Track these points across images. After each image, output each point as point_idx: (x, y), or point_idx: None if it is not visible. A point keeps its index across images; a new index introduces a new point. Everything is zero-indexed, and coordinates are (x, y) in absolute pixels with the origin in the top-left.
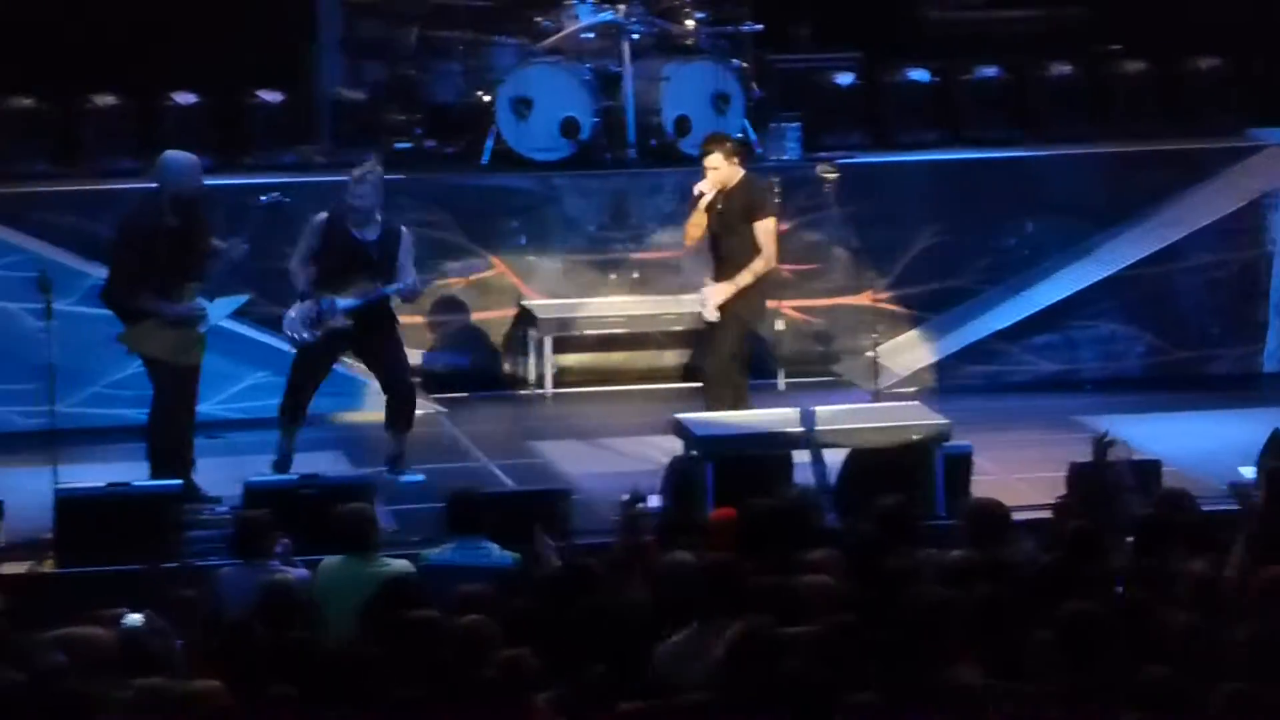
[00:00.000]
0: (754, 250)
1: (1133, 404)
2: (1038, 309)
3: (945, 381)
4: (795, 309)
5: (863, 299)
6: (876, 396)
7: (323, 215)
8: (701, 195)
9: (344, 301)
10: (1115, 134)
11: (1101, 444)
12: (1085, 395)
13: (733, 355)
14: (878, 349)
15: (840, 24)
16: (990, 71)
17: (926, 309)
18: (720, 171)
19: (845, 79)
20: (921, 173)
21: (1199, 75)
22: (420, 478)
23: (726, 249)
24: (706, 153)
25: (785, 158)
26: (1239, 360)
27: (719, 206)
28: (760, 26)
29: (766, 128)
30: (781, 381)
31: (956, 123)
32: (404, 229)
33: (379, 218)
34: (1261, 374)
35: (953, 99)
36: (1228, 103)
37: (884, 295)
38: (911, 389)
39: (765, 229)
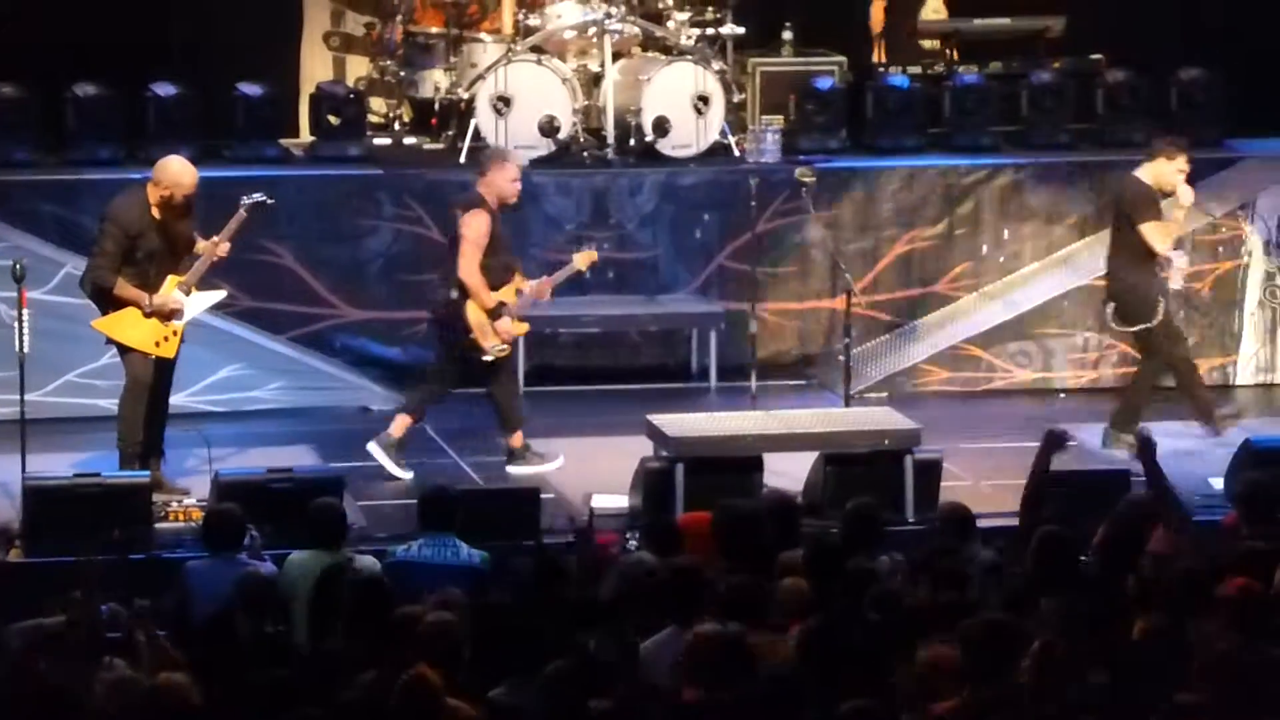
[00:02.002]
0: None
1: (1106, 413)
2: (1012, 316)
3: (918, 387)
4: (770, 311)
5: (838, 303)
6: (848, 401)
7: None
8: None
9: None
10: (1095, 142)
11: (1052, 440)
12: (1058, 404)
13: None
14: (851, 353)
15: (822, 28)
16: (971, 78)
17: (901, 314)
18: None
19: (825, 83)
20: (900, 178)
21: (1180, 85)
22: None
23: None
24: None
25: (764, 160)
26: (1214, 371)
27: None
28: (742, 29)
29: (746, 130)
30: (754, 384)
31: (938, 128)
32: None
33: None
34: (1236, 385)
35: (934, 104)
36: (1208, 113)
37: (859, 300)
38: (884, 394)
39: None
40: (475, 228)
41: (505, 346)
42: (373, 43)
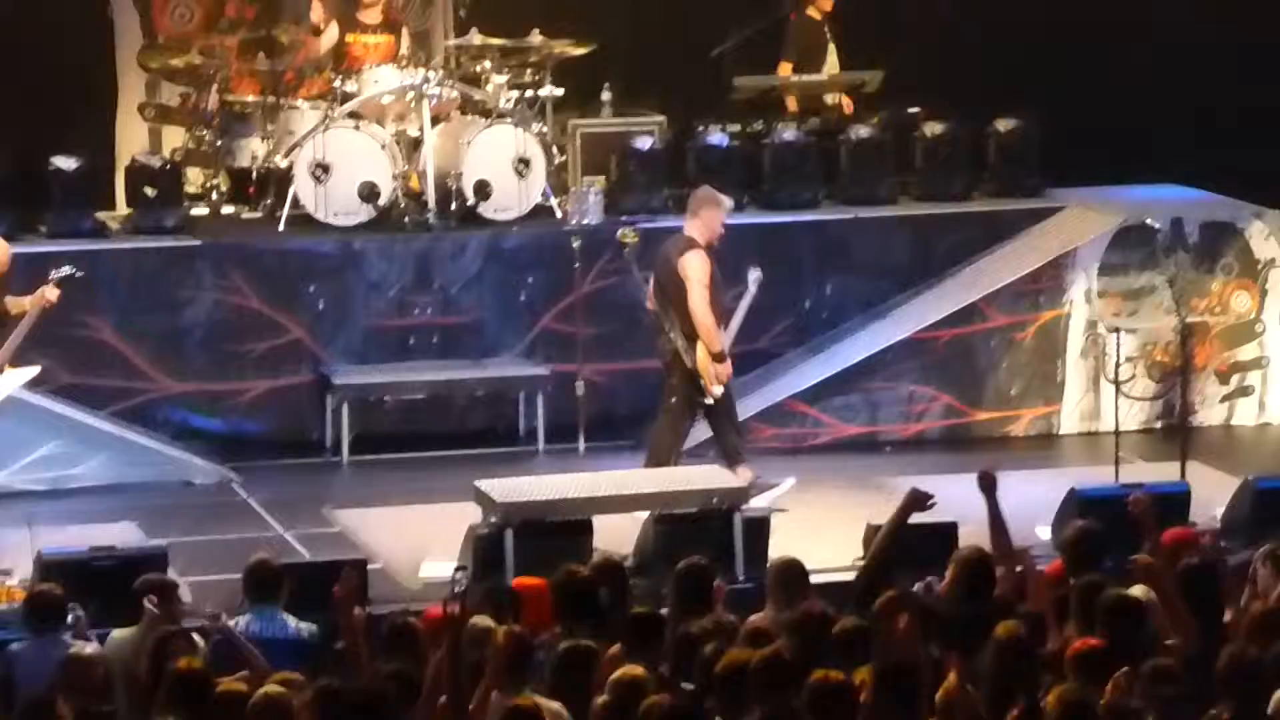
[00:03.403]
0: None
1: (932, 465)
2: (838, 370)
3: (746, 444)
4: (597, 372)
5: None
6: (677, 460)
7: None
8: None
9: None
10: (916, 195)
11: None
12: (886, 456)
13: None
14: None
15: (642, 88)
16: (790, 135)
17: None
18: None
19: (645, 143)
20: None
21: (998, 136)
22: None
23: None
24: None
25: (586, 221)
26: (1038, 420)
27: None
28: (561, 91)
29: (568, 191)
30: (582, 445)
31: (758, 185)
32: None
33: None
34: (1060, 434)
35: (754, 161)
36: (1027, 163)
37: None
38: (710, 452)
39: None
40: (698, 267)
41: (721, 389)
42: (188, 112)
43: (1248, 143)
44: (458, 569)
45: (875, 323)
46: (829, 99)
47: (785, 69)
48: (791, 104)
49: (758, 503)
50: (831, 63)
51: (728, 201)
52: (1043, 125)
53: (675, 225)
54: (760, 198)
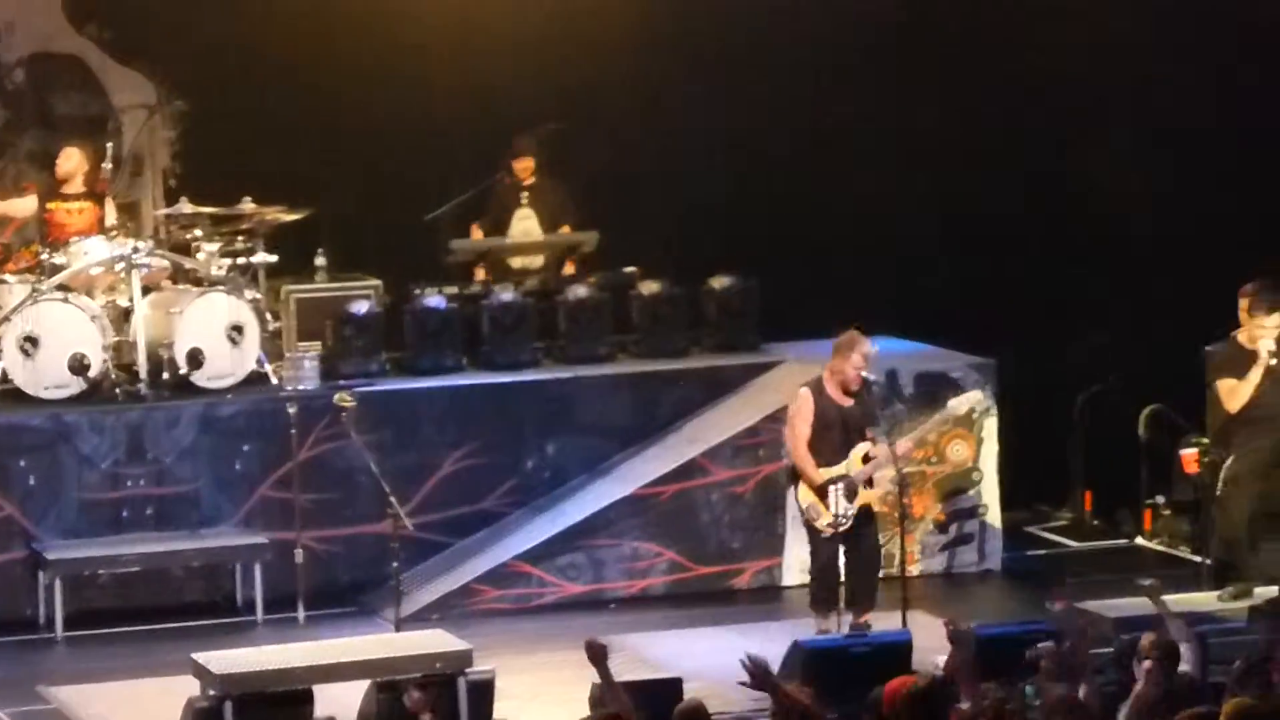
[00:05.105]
0: None
1: (657, 621)
2: (562, 529)
3: (471, 607)
4: (314, 540)
5: (384, 527)
6: (399, 626)
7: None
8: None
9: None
10: (636, 353)
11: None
12: (611, 614)
13: None
14: (401, 577)
15: (358, 253)
16: (508, 296)
17: (451, 534)
18: None
19: (361, 307)
20: (443, 398)
21: (715, 294)
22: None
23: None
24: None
25: (303, 387)
26: (760, 573)
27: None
28: (274, 257)
29: (284, 358)
30: (302, 614)
31: (477, 346)
32: None
33: None
34: (783, 586)
35: (473, 323)
36: (744, 320)
37: (406, 523)
38: (435, 616)
39: None
40: (794, 406)
41: (844, 520)
42: None
43: (957, 295)
44: None
45: (598, 481)
46: (515, 263)
47: (476, 232)
48: (480, 273)
49: None
50: (525, 228)
51: (859, 349)
52: (758, 281)
53: (395, 387)
54: (480, 359)
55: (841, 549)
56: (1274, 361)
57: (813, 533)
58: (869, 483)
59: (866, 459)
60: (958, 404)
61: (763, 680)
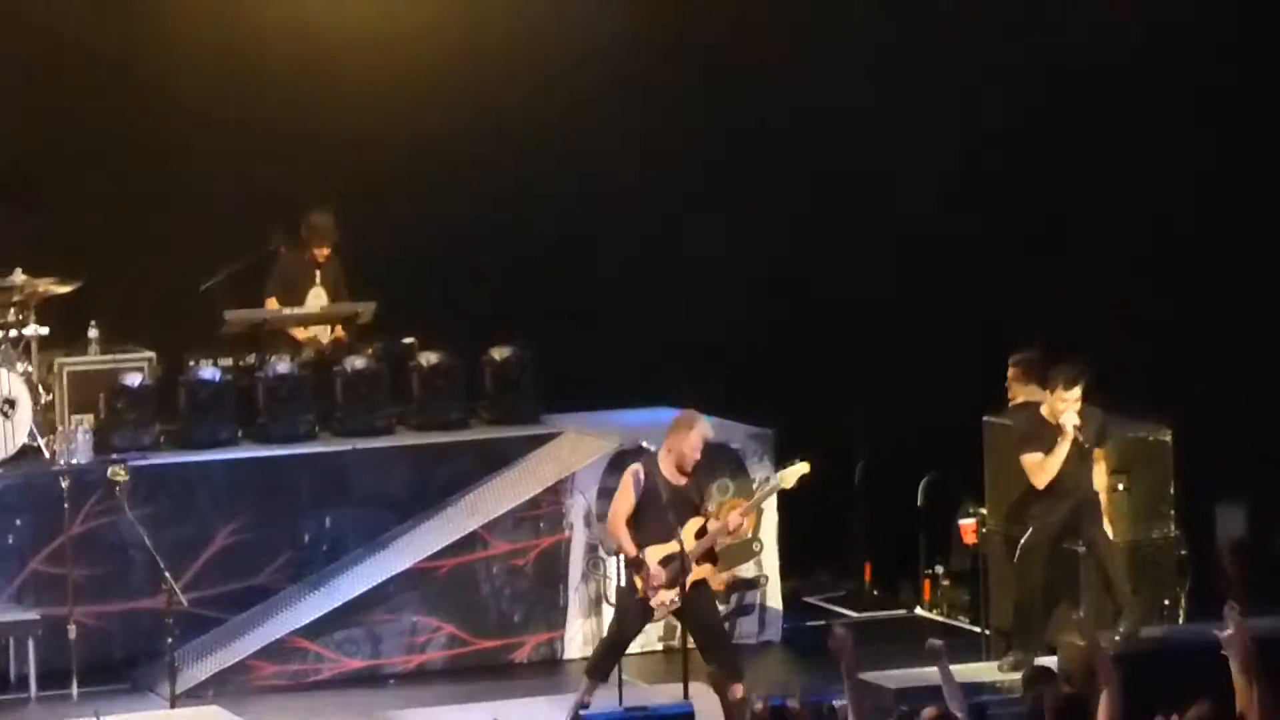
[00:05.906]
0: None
1: (437, 696)
2: (339, 604)
3: (247, 683)
4: (87, 615)
5: (159, 602)
6: (174, 703)
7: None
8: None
9: None
10: (414, 425)
11: None
12: (390, 689)
13: None
14: (175, 653)
15: (131, 325)
16: (284, 367)
17: (226, 609)
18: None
19: (135, 379)
20: (218, 471)
21: (493, 364)
22: None
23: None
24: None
25: (76, 461)
26: (541, 646)
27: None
28: (46, 330)
29: (56, 431)
30: (75, 691)
31: (252, 418)
32: None
33: None
34: (564, 659)
35: (248, 395)
36: (523, 391)
37: (180, 598)
38: (210, 692)
39: None
40: (621, 481)
41: (674, 600)
42: None
43: (741, 366)
44: None
45: (376, 554)
46: (301, 335)
47: (271, 303)
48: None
49: None
50: (315, 300)
51: (703, 425)
52: (536, 352)
53: (168, 460)
54: (254, 431)
55: (678, 627)
56: (1079, 436)
57: (630, 604)
58: (708, 556)
59: (701, 534)
60: (788, 474)
61: None
